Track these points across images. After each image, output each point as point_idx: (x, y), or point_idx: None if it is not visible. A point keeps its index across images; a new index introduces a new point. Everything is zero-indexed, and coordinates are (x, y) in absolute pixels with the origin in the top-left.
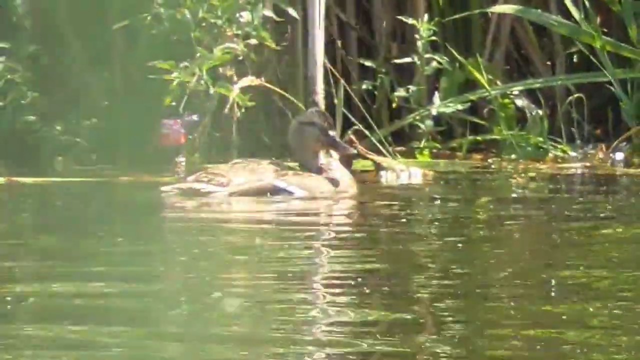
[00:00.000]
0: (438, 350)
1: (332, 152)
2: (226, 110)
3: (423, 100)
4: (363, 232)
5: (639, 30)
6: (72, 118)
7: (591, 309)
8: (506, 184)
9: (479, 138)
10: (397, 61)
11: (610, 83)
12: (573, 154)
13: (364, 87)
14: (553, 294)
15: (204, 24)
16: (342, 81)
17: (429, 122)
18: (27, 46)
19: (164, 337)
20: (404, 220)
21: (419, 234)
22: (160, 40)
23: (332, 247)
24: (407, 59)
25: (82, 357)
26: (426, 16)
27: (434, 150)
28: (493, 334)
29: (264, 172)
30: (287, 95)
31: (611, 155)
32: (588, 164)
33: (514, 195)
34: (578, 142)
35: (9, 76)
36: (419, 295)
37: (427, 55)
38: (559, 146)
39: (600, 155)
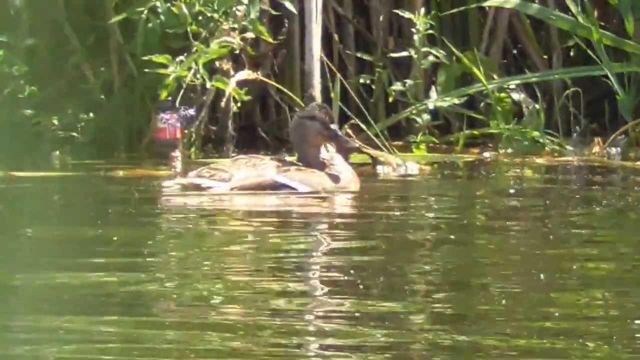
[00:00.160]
0: (436, 341)
1: (330, 145)
2: (222, 104)
3: (420, 94)
4: (360, 226)
5: (636, 24)
6: (69, 112)
7: (588, 300)
8: (503, 178)
9: (475, 132)
10: (394, 55)
11: (607, 77)
12: (570, 147)
13: (360, 81)
14: (550, 285)
15: (200, 18)
16: (339, 75)
17: (426, 116)
18: (24, 40)
19: (162, 326)
20: (401, 214)
21: (416, 228)
22: (156, 34)
23: (329, 240)
24: (404, 53)
25: (80, 348)
26: (423, 10)
27: (431, 145)
28: (489, 325)
29: (266, 167)
30: (283, 89)
31: (608, 149)
32: (585, 158)
33: (510, 188)
34: (575, 136)
35: (6, 69)
36: (415, 287)
37: (424, 49)
38: (556, 140)
39: (597, 149)
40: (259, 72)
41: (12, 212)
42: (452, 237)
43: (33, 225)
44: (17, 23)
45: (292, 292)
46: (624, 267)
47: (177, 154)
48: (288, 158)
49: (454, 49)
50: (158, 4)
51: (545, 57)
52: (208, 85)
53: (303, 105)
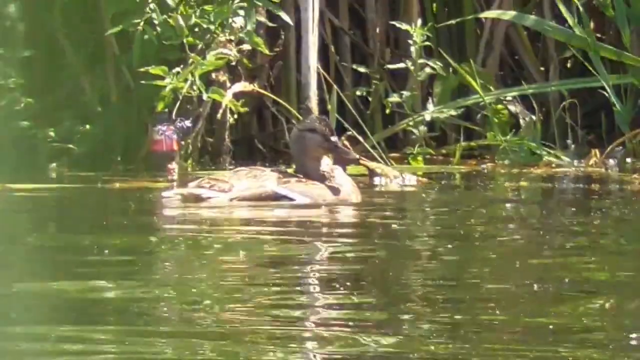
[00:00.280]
0: (435, 350)
1: (327, 157)
2: (219, 116)
3: (417, 106)
4: (359, 236)
5: (632, 35)
6: (66, 124)
7: (586, 308)
8: (500, 189)
9: (472, 143)
10: (391, 67)
11: (603, 88)
12: (566, 159)
13: (357, 92)
14: (547, 289)
15: (196, 30)
16: (335, 87)
17: (423, 128)
18: (20, 51)
19: (159, 334)
20: (399, 224)
21: (415, 238)
22: (153, 45)
23: (326, 250)
24: (401, 65)
25: (76, 356)
26: (420, 21)
27: (428, 156)
28: (488, 331)
29: (266, 179)
30: (280, 100)
31: (605, 160)
32: (582, 169)
33: (507, 199)
34: (572, 147)
35: (2, 81)
36: (414, 295)
37: (420, 61)
38: (553, 151)
39: (594, 160)
40: (255, 84)
41: (9, 224)
42: (450, 246)
43: (29, 236)
44: (13, 34)
45: (289, 300)
46: (621, 275)
47: (173, 165)
48: (286, 170)
49: (450, 61)
50: (154, 15)
51: (542, 68)
52: (204, 97)
53: (299, 117)
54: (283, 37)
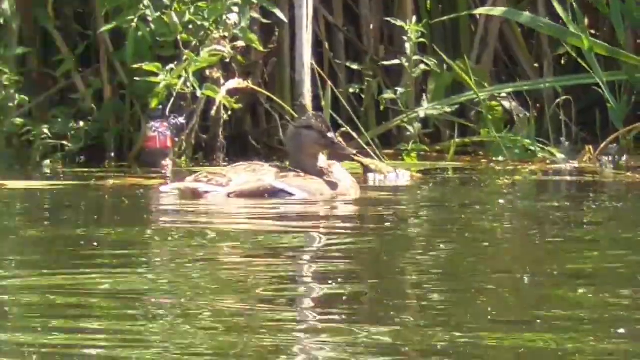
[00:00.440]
0: (432, 342)
1: (323, 154)
2: (213, 113)
3: (411, 103)
4: (354, 231)
5: (626, 32)
6: (59, 120)
7: (580, 298)
8: (494, 185)
9: (466, 140)
10: (385, 63)
11: (597, 85)
12: (560, 155)
13: (351, 89)
14: (540, 282)
15: (190, 26)
16: (330, 83)
17: (417, 125)
18: (14, 48)
19: (150, 331)
20: (394, 219)
21: (409, 232)
22: (146, 42)
23: (322, 243)
24: (395, 61)
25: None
26: (414, 18)
27: (422, 153)
28: (482, 328)
29: (265, 173)
30: (274, 97)
31: (598, 157)
32: (576, 166)
33: (501, 195)
34: (566, 144)
35: None
36: (409, 291)
37: (415, 58)
38: (547, 148)
39: (588, 157)
40: (249, 81)
41: (3, 220)
42: (444, 240)
43: (23, 231)
44: (7, 32)
45: (282, 296)
46: (613, 266)
47: (167, 162)
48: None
49: (445, 57)
50: (148, 12)
51: (536, 65)
52: (198, 93)
53: (293, 113)
54: (277, 33)
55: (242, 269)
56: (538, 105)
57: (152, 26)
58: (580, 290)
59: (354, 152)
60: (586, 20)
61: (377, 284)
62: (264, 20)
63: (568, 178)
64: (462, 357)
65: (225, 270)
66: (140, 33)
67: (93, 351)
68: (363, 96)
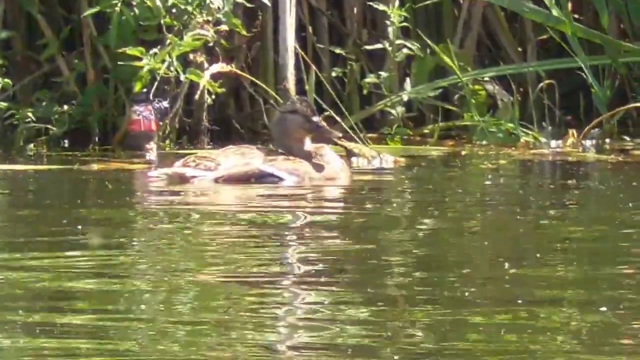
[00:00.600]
0: (412, 336)
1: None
2: (197, 97)
3: (394, 87)
4: (339, 217)
5: (610, 17)
6: (43, 104)
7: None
8: (477, 169)
9: (450, 124)
10: (368, 47)
11: (581, 69)
12: (544, 139)
13: (334, 73)
14: (524, 274)
15: (174, 10)
16: (313, 67)
17: (400, 109)
18: None
19: (135, 319)
20: (378, 205)
21: (394, 219)
22: (130, 26)
23: (308, 231)
24: (378, 45)
25: (48, 342)
26: (397, 2)
27: (405, 137)
28: (466, 318)
29: (253, 156)
30: (257, 81)
31: (582, 141)
32: (559, 150)
33: (485, 180)
34: (549, 128)
35: None
36: (392, 279)
37: (398, 42)
38: (530, 132)
39: (572, 141)
40: (233, 65)
41: None
42: (429, 222)
43: (6, 214)
44: None
45: (266, 286)
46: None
47: (151, 146)
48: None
49: (428, 41)
50: None
51: (520, 49)
52: (182, 77)
53: (277, 97)
54: (260, 17)
55: (226, 247)
56: (521, 89)
57: (136, 10)
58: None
59: (340, 135)
60: (569, 5)
61: (359, 262)
62: (248, 4)
63: (550, 163)
64: (443, 333)
65: (207, 248)
66: (123, 17)
67: (77, 327)
68: (346, 80)
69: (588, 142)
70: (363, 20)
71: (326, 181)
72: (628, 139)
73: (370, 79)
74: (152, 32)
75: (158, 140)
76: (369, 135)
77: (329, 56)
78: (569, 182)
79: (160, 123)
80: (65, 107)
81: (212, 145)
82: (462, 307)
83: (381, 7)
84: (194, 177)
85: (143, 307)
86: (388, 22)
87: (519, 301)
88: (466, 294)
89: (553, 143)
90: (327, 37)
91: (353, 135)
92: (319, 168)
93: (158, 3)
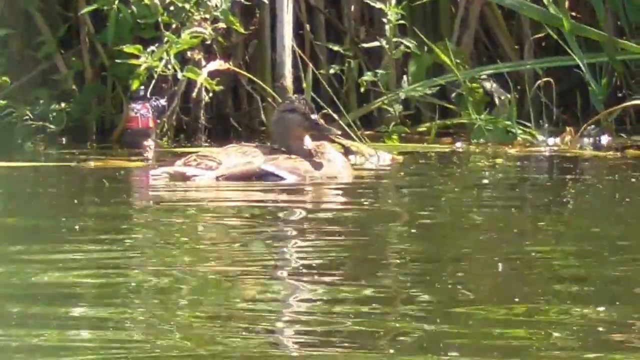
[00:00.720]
0: (409, 328)
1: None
2: (194, 95)
3: (391, 84)
4: (337, 214)
5: (607, 15)
6: (41, 102)
7: (553, 281)
8: (475, 167)
9: (447, 122)
10: (365, 45)
11: (578, 67)
12: (541, 137)
13: (331, 71)
14: (519, 271)
15: (172, 8)
16: (311, 65)
17: (398, 106)
18: None
19: (132, 314)
20: (375, 202)
21: (390, 216)
22: (127, 24)
23: (304, 228)
24: (375, 43)
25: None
26: (394, 0)
27: (403, 135)
28: (460, 312)
29: (255, 155)
30: (255, 79)
31: (579, 138)
32: (556, 148)
33: (483, 178)
34: (546, 126)
35: None
36: (389, 275)
37: (395, 39)
38: (528, 130)
39: (569, 138)
40: (230, 63)
41: None
42: (428, 220)
43: (5, 213)
44: None
45: (263, 280)
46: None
47: (149, 143)
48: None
49: (425, 39)
50: None
51: (517, 47)
52: (179, 75)
53: (275, 95)
54: (258, 15)
55: (225, 242)
56: (519, 87)
57: (134, 8)
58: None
59: (339, 132)
60: (567, 3)
61: (357, 257)
62: (245, 2)
63: (547, 161)
64: (436, 312)
65: (205, 243)
66: (121, 15)
67: (76, 311)
68: (344, 78)
69: (585, 140)
70: (360, 18)
71: (327, 179)
72: (625, 136)
73: (368, 76)
74: (150, 29)
75: (155, 138)
76: (367, 132)
77: (326, 54)
78: (567, 178)
79: (158, 121)
80: (63, 104)
81: (210, 143)
82: (460, 301)
83: (378, 4)
84: (195, 175)
85: (143, 300)
86: (385, 20)
87: (516, 299)
88: (463, 289)
89: (550, 141)
90: (324, 35)
91: (350, 132)
92: (317, 166)
93: (156, 1)
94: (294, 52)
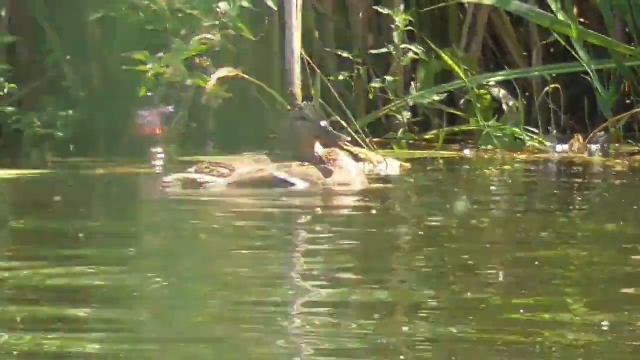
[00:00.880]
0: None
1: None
2: (202, 101)
3: (400, 91)
4: (346, 219)
5: (615, 21)
6: (49, 109)
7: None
8: (483, 174)
9: (455, 129)
10: (374, 52)
11: (586, 73)
12: (549, 144)
13: (340, 78)
14: (528, 275)
15: (180, 15)
16: (319, 72)
17: (406, 113)
18: (4, 37)
19: (140, 316)
20: (385, 207)
21: (399, 223)
22: (136, 31)
23: (316, 229)
24: (384, 50)
25: (60, 337)
26: (402, 6)
27: (411, 141)
28: (471, 316)
29: (268, 163)
30: (264, 86)
31: (588, 145)
32: (565, 154)
33: (491, 184)
34: (554, 132)
35: None
36: (396, 280)
37: (403, 46)
38: (536, 137)
39: (577, 145)
40: (239, 69)
41: None
42: (435, 233)
43: (12, 220)
44: None
45: (271, 284)
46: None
47: (157, 149)
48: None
49: (433, 46)
50: (137, 0)
51: (525, 53)
52: (188, 82)
53: (284, 102)
54: (267, 22)
55: (236, 239)
56: (527, 93)
57: (142, 15)
58: (569, 286)
59: (349, 139)
60: (575, 9)
61: (369, 256)
62: (255, 9)
63: (556, 168)
64: (446, 315)
65: (215, 261)
66: (129, 21)
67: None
68: (352, 85)
69: (593, 147)
70: (369, 25)
71: (339, 186)
72: (633, 143)
73: (376, 83)
74: (158, 36)
75: (163, 145)
76: (375, 140)
77: (335, 61)
78: (575, 185)
79: (166, 128)
80: (71, 112)
81: (217, 150)
82: (470, 306)
83: (386, 11)
84: (207, 182)
85: (150, 303)
86: (393, 27)
87: (526, 302)
88: (473, 294)
89: (559, 147)
90: (333, 42)
91: (359, 140)
92: (327, 173)
93: (164, 7)
94: (302, 59)
